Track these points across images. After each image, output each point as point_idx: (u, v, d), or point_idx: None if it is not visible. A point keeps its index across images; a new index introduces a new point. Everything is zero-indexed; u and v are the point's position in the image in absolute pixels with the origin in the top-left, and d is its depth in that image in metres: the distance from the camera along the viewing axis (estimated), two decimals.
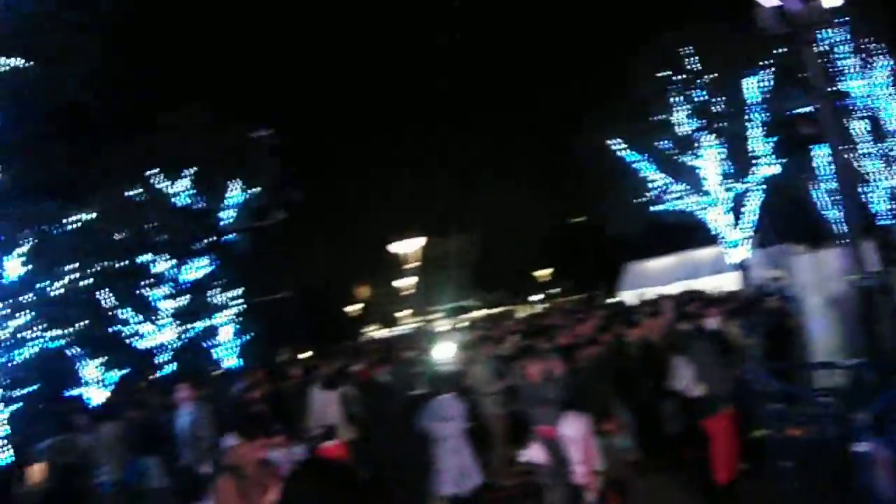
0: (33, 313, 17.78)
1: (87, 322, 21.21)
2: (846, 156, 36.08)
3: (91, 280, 20.31)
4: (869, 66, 34.99)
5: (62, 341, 20.24)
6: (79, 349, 23.21)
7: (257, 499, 6.06)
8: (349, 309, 64.09)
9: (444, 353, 16.35)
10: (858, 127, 35.20)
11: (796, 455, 9.33)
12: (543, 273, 66.82)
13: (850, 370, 10.16)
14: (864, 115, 35.37)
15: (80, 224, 18.76)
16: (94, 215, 18.87)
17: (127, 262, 23.67)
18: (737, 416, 9.93)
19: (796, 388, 10.61)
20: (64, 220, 18.74)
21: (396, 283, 59.37)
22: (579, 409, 9.96)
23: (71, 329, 20.28)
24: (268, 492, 6.10)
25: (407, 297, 61.74)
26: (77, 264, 19.30)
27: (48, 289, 18.38)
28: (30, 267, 17.99)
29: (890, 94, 36.38)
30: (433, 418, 10.69)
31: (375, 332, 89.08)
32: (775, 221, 36.47)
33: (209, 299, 27.20)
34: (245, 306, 28.08)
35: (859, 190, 36.62)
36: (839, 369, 10.61)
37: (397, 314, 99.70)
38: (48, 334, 18.75)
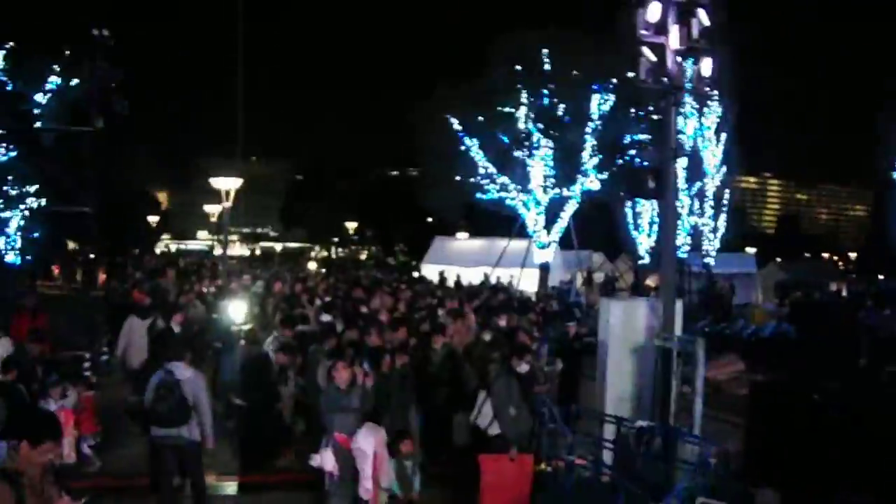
0: None
1: None
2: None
3: None
4: (701, 109, 36.88)
5: None
6: None
7: None
8: (151, 218, 61.68)
9: (238, 315, 15.74)
10: (678, 165, 36.81)
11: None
12: (352, 225, 66.44)
13: (634, 430, 10.50)
14: (686, 154, 37.15)
15: None
16: None
17: None
18: (526, 460, 10.04)
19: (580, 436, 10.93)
20: None
21: (206, 208, 57.73)
22: (378, 421, 9.90)
23: None
24: None
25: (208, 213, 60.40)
26: None
27: None
28: None
29: (711, 139, 38.69)
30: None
31: (170, 242, 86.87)
32: (581, 228, 37.82)
33: (3, 189, 25.43)
34: (39, 204, 26.37)
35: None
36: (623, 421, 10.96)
37: (198, 232, 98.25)
38: None
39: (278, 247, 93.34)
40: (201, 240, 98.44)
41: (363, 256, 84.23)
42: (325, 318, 16.36)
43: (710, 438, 10.23)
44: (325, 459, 9.40)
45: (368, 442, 9.35)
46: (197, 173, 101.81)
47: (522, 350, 10.68)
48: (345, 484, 9.37)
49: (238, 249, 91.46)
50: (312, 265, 57.15)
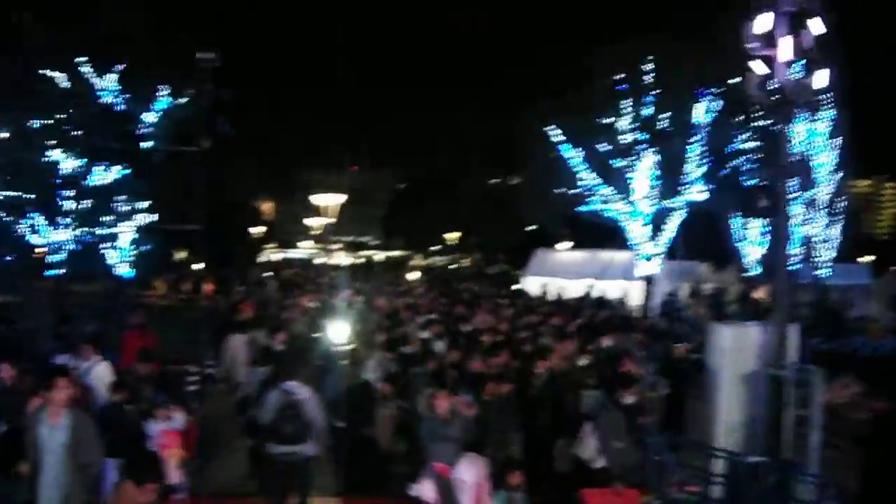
0: None
1: None
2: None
3: None
4: (813, 112, 35.53)
5: None
6: None
7: None
8: (253, 230, 62.84)
9: (340, 335, 15.78)
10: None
11: None
12: (453, 236, 66.42)
13: (747, 465, 10.09)
14: (798, 159, 36.00)
15: None
16: None
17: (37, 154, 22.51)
18: (631, 495, 9.68)
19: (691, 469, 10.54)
20: None
21: (308, 222, 58.68)
22: (479, 451, 9.70)
23: None
24: None
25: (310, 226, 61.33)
26: None
27: None
28: None
29: (824, 144, 37.20)
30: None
31: (274, 251, 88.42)
32: (687, 238, 36.96)
33: (115, 206, 26.14)
34: (150, 220, 27.07)
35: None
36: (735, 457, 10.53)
37: (299, 242, 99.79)
38: None
39: (380, 256, 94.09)
40: (305, 249, 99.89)
41: (466, 263, 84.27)
42: (425, 334, 16.31)
43: (826, 471, 9.76)
44: (425, 489, 9.23)
45: (469, 472, 9.16)
46: (300, 185, 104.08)
47: (629, 382, 10.31)
48: None
49: (341, 258, 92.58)
50: (413, 275, 57.33)
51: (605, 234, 39.70)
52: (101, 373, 11.81)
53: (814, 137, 36.68)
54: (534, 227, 55.33)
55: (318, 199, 22.03)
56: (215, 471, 12.97)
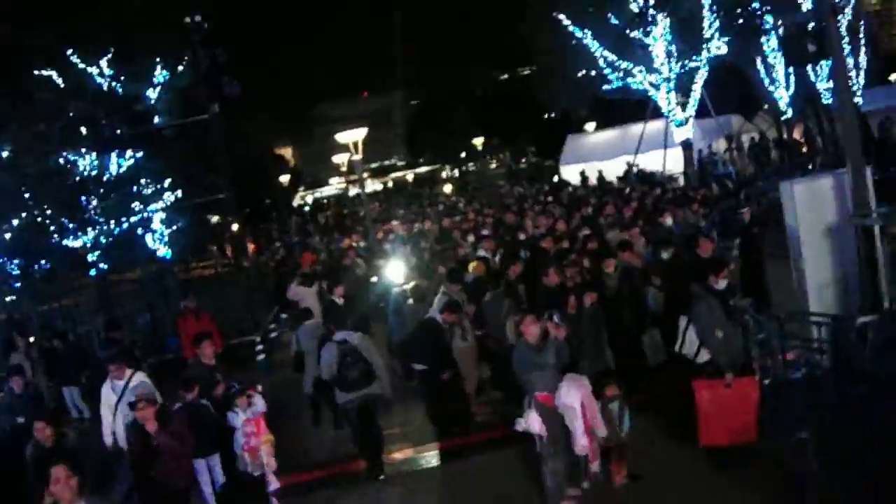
0: None
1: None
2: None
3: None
4: None
5: None
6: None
7: None
8: (282, 178, 62.31)
9: (397, 274, 15.39)
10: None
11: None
12: (478, 141, 65.35)
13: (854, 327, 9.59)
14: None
15: None
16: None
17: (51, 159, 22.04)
18: (744, 384, 9.17)
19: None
20: None
21: (335, 159, 58.11)
22: (578, 371, 9.27)
23: None
24: None
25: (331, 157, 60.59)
26: None
27: None
28: None
29: None
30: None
31: (304, 194, 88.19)
32: (714, 94, 36.05)
33: (140, 191, 25.67)
34: (176, 198, 26.57)
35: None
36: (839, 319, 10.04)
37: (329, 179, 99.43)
38: None
39: (409, 176, 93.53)
40: (334, 185, 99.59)
41: (493, 166, 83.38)
42: (482, 253, 15.80)
43: None
44: (532, 422, 8.77)
45: (573, 395, 8.71)
46: (319, 121, 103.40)
47: (719, 266, 9.68)
48: (557, 443, 8.78)
49: (370, 185, 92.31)
50: (447, 188, 56.79)
51: (627, 111, 39.00)
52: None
53: None
54: (551, 115, 54.29)
55: (342, 137, 21.53)
56: (299, 443, 12.70)
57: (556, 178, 40.80)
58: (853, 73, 38.76)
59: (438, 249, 18.05)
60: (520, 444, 9.69)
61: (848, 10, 36.94)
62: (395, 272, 15.32)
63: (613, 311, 11.55)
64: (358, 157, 21.64)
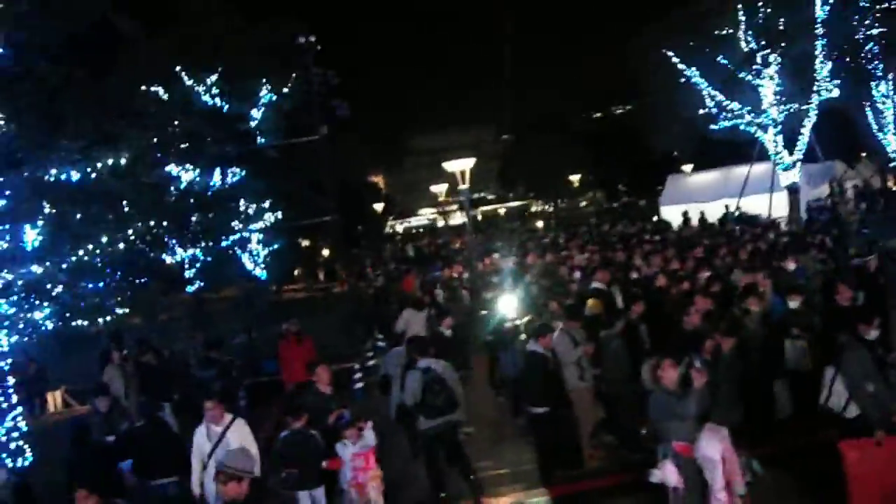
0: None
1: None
2: None
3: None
4: None
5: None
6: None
7: None
8: (376, 206, 62.24)
9: (508, 308, 14.82)
10: None
11: None
12: (574, 178, 64.38)
13: None
14: None
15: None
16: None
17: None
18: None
19: None
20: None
21: (434, 189, 58.10)
22: (717, 420, 8.60)
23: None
24: None
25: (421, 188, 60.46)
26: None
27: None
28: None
29: None
30: None
31: (393, 223, 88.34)
32: (822, 139, 35.04)
33: (241, 210, 25.70)
34: (276, 218, 26.52)
35: None
36: None
37: (424, 208, 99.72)
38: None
39: (500, 210, 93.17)
40: (424, 216, 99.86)
41: (583, 204, 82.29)
42: (597, 285, 15.02)
43: None
44: (668, 473, 8.15)
45: (714, 447, 8.13)
46: (410, 151, 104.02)
47: (870, 314, 8.97)
48: (693, 497, 8.13)
49: (458, 218, 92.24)
50: (539, 223, 56.17)
51: (731, 152, 38.17)
52: (240, 435, 9.65)
53: None
54: (649, 155, 53.37)
55: (449, 166, 21.37)
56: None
57: (655, 218, 39.85)
58: None
59: (547, 285, 17.37)
60: (636, 493, 9.26)
61: None
62: (507, 306, 14.76)
63: (751, 358, 10.80)
64: (465, 186, 21.27)
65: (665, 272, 15.83)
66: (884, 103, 37.61)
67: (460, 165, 20.69)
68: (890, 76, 36.17)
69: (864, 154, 44.88)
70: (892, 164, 40.19)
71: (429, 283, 23.32)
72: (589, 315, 12.90)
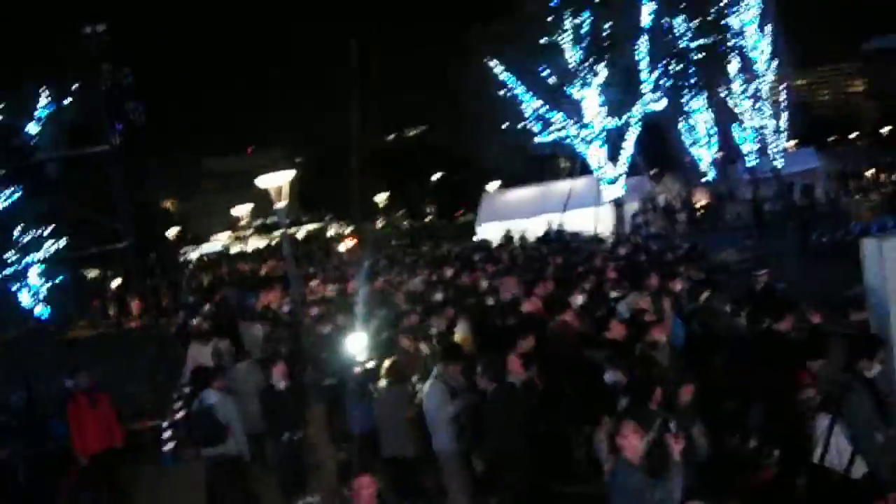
0: None
1: None
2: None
3: None
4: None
5: None
6: None
7: None
8: (170, 233, 58.30)
9: (357, 348, 11.94)
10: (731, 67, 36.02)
11: None
12: (380, 198, 62.81)
13: None
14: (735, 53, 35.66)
15: None
16: None
17: None
18: None
19: None
20: None
21: (234, 212, 54.88)
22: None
23: None
24: None
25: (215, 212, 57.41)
26: None
27: None
28: None
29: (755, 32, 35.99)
30: None
31: (191, 252, 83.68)
32: (644, 153, 34.89)
33: (15, 237, 22.03)
34: (61, 246, 23.05)
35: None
36: None
37: (218, 234, 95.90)
38: None
39: (299, 233, 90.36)
40: (218, 241, 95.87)
41: (379, 225, 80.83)
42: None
43: None
44: None
45: None
46: (206, 174, 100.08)
47: (877, 345, 7.04)
48: None
49: (254, 242, 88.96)
50: (347, 244, 53.78)
51: (540, 168, 37.72)
52: None
53: (746, 27, 35.49)
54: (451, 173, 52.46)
55: (263, 181, 19.07)
56: None
57: (475, 238, 38.00)
58: (775, 136, 38.51)
59: (389, 316, 14.70)
60: None
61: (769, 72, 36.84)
62: (356, 346, 11.90)
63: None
64: (282, 204, 18.31)
65: (536, 297, 13.52)
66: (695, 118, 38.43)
67: (276, 180, 17.68)
68: (704, 91, 36.75)
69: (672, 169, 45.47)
70: (704, 179, 40.77)
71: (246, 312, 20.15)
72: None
